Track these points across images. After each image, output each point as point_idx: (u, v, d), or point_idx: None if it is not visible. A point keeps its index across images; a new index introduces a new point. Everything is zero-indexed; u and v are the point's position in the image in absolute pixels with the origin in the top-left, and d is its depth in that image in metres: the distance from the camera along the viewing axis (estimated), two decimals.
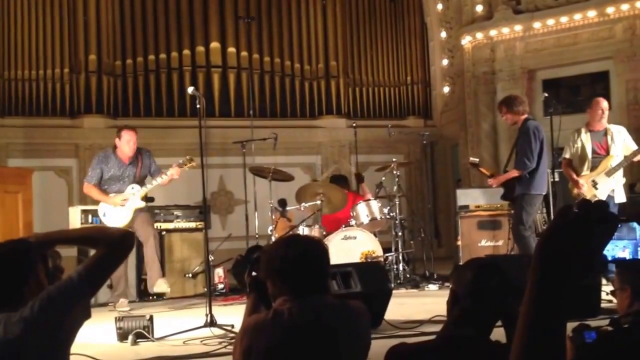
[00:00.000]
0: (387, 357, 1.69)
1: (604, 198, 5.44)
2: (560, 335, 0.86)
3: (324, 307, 1.73)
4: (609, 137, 5.50)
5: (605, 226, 0.86)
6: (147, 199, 6.09)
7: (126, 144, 5.47)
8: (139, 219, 5.52)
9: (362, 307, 1.81)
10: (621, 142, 5.50)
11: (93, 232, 1.86)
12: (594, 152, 5.52)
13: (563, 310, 0.86)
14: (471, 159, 6.50)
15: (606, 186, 5.44)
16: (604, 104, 5.58)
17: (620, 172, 5.50)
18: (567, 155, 5.70)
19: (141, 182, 5.57)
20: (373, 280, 4.14)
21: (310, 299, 1.72)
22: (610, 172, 5.44)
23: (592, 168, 5.51)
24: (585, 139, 5.55)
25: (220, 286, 6.41)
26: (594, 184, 5.46)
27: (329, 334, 1.70)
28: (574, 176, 5.55)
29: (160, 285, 5.39)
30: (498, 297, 1.72)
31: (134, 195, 5.47)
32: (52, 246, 1.83)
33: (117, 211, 5.46)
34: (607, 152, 5.49)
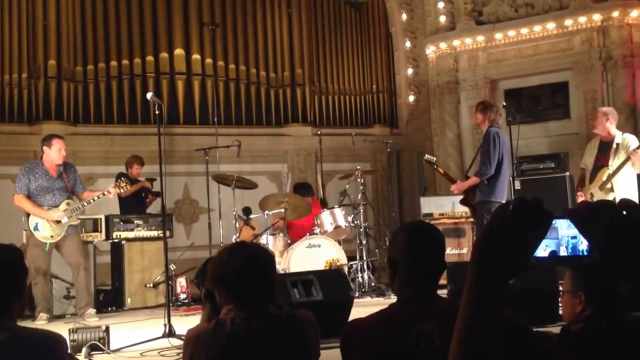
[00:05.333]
0: (344, 332, 1.68)
1: None
2: (497, 334, 0.85)
3: (267, 317, 1.70)
4: (613, 149, 5.26)
5: (540, 223, 0.87)
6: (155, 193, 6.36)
7: (57, 152, 5.35)
8: (69, 242, 5.39)
9: (309, 317, 1.78)
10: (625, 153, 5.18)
11: None
12: (595, 163, 5.36)
13: (500, 308, 0.85)
14: (427, 156, 6.46)
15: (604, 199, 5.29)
16: (605, 110, 5.45)
17: (629, 185, 5.18)
18: (582, 165, 5.59)
19: (71, 195, 5.52)
20: (334, 289, 4.12)
21: (254, 309, 1.69)
22: (602, 186, 5.25)
23: (591, 180, 5.36)
24: (592, 149, 5.43)
25: (183, 296, 6.31)
26: (591, 197, 5.31)
27: (272, 344, 1.67)
28: (579, 188, 5.48)
29: (90, 316, 5.29)
30: (434, 255, 1.71)
31: (68, 211, 5.36)
32: None
33: (50, 226, 5.31)
34: (606, 165, 5.27)
